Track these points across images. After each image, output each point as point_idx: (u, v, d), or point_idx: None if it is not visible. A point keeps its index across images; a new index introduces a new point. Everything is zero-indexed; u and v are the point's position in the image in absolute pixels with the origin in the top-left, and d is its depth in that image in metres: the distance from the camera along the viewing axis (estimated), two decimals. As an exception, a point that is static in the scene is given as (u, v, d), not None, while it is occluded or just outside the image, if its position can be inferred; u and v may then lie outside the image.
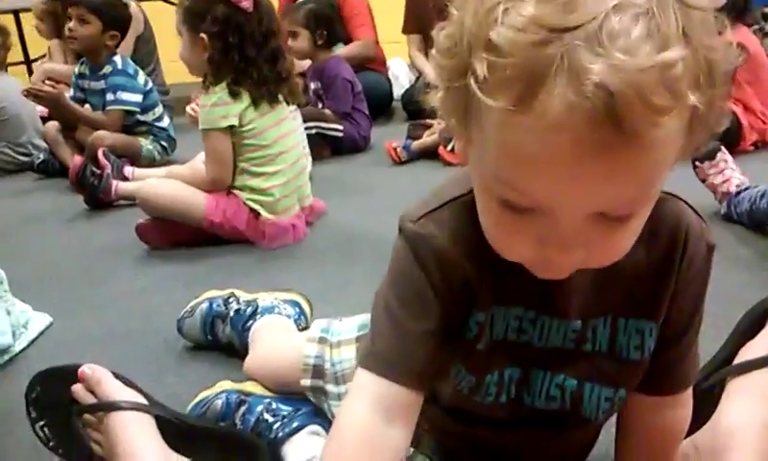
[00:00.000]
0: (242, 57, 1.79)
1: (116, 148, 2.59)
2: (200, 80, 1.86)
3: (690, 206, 0.65)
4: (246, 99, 1.81)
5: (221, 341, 1.26)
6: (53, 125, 2.88)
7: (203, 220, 1.86)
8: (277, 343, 1.11)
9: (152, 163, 2.72)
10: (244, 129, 1.83)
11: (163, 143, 2.88)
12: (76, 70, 2.88)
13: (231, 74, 1.80)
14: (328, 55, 2.99)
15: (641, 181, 0.49)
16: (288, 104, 1.93)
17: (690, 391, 0.70)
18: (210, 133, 1.83)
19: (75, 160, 2.33)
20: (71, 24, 2.74)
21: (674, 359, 0.68)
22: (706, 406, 0.82)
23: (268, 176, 1.87)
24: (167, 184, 1.93)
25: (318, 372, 0.91)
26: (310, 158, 2.47)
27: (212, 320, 1.26)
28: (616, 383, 0.67)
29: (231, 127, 1.82)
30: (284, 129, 1.91)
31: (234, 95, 1.80)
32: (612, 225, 0.52)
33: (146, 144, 2.81)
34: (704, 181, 1.81)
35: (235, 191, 1.88)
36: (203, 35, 1.79)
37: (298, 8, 2.95)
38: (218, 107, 1.80)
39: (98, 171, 2.34)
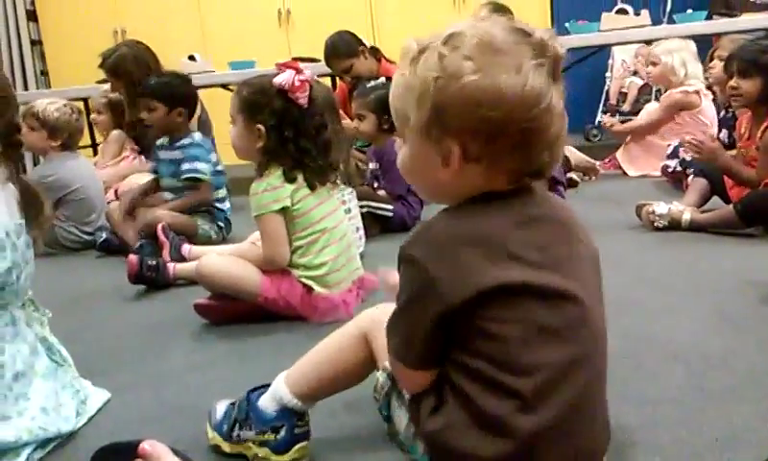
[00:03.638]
0: (297, 148, 1.88)
1: (173, 227, 2.68)
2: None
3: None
4: (298, 182, 1.88)
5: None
6: (116, 206, 3.01)
7: (258, 295, 1.90)
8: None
9: (208, 242, 2.81)
10: (294, 208, 1.89)
11: (220, 223, 2.99)
12: (158, 142, 3.06)
13: (288, 162, 1.88)
14: (391, 138, 3.06)
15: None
16: (344, 185, 2.00)
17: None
18: (264, 217, 1.89)
19: (130, 260, 2.38)
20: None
21: None
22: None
23: (318, 252, 1.92)
24: (225, 261, 1.99)
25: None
26: (363, 236, 2.52)
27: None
28: None
29: (284, 208, 1.88)
30: (329, 207, 1.97)
31: (291, 180, 1.87)
32: None
33: (202, 224, 2.91)
34: None
35: (289, 268, 1.92)
36: (259, 125, 1.88)
37: (368, 92, 3.02)
38: (267, 192, 1.87)
39: (152, 263, 2.39)
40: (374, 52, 3.86)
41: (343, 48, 3.77)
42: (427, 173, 0.91)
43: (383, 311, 1.03)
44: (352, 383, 1.17)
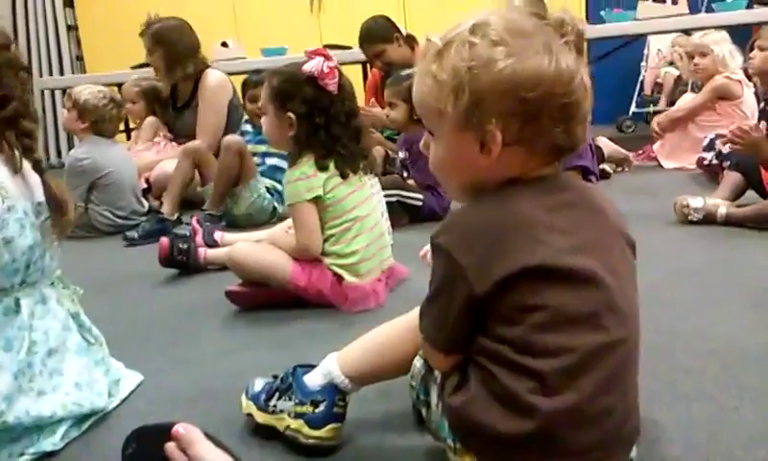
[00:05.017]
0: (328, 135, 1.88)
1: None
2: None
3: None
4: (330, 170, 1.88)
5: None
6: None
7: (288, 283, 1.91)
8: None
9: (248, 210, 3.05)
10: (327, 197, 1.89)
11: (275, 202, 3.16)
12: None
13: (320, 150, 1.88)
14: (422, 129, 3.03)
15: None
16: (366, 174, 2.00)
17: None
18: (297, 205, 1.90)
19: (162, 243, 2.41)
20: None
21: None
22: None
23: (350, 241, 1.92)
24: (256, 248, 2.01)
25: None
26: (389, 223, 2.52)
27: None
28: None
29: (317, 197, 1.88)
30: (362, 195, 1.97)
31: (322, 169, 1.87)
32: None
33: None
34: None
35: (320, 256, 1.93)
36: (290, 114, 1.88)
37: (401, 80, 3.00)
38: (301, 181, 1.88)
39: (183, 246, 2.40)
40: (410, 40, 3.81)
41: (377, 32, 3.75)
42: (465, 164, 0.92)
43: None
44: (403, 373, 1.15)
